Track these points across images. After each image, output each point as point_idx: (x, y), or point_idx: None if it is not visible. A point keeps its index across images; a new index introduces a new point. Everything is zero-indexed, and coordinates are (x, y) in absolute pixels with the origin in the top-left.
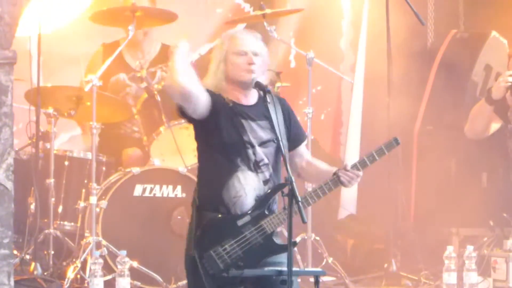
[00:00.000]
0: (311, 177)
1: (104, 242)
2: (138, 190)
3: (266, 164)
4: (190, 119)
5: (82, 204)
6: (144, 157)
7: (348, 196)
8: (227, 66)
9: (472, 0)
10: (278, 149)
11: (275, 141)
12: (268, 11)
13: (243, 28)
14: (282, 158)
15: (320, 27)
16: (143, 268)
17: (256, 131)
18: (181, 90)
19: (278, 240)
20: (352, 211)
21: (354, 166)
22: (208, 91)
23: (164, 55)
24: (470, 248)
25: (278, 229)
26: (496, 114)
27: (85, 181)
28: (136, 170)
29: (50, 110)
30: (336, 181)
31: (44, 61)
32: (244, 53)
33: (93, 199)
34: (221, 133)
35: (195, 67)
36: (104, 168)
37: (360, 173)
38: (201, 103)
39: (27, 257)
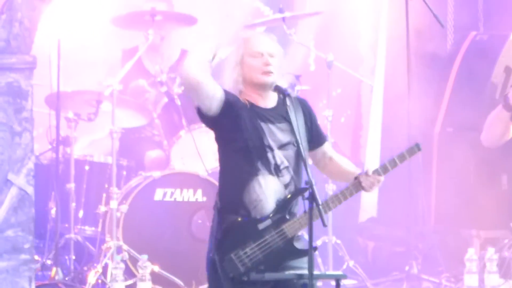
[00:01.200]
0: (333, 174)
1: (125, 247)
2: (158, 194)
3: (287, 167)
4: (208, 120)
5: (102, 208)
6: (165, 160)
7: (369, 199)
8: (244, 69)
9: (492, 1)
10: (298, 152)
11: (295, 144)
12: (287, 14)
13: (261, 31)
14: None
15: (340, 29)
16: (164, 272)
17: (276, 134)
18: (191, 79)
19: (299, 245)
20: (372, 214)
21: (376, 171)
22: (225, 90)
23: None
24: (491, 250)
25: (299, 233)
26: None
27: (106, 186)
28: (156, 174)
29: (70, 115)
30: (358, 185)
31: (63, 66)
32: (260, 54)
33: (113, 204)
34: (242, 135)
35: (213, 71)
36: (124, 173)
37: (382, 178)
38: (215, 96)
39: (48, 262)
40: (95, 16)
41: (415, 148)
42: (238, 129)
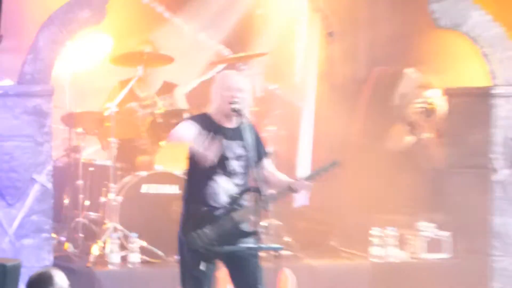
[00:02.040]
0: (271, 184)
1: (120, 227)
2: (144, 188)
3: (238, 173)
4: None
5: (103, 199)
6: (150, 163)
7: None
8: (217, 99)
9: (390, 38)
10: (248, 162)
11: (246, 157)
12: (241, 54)
13: (224, 69)
14: (250, 170)
15: (282, 63)
16: (150, 246)
17: (233, 148)
18: (174, 140)
19: (245, 227)
20: (305, 203)
21: (303, 179)
22: (199, 121)
23: (165, 89)
24: (391, 228)
25: (247, 219)
26: (411, 132)
27: (106, 182)
28: (143, 173)
29: (80, 130)
30: (291, 189)
31: (75, 93)
32: (230, 89)
33: (111, 195)
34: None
35: (188, 97)
36: (119, 172)
37: (309, 183)
38: (190, 141)
39: (63, 239)
40: (98, 55)
41: (334, 164)
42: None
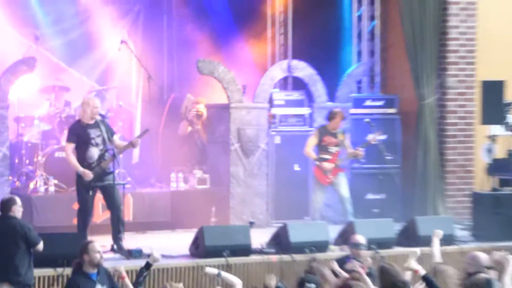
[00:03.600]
0: (119, 147)
1: (44, 174)
2: (57, 154)
3: (99, 144)
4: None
5: (36, 160)
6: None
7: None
8: (87, 110)
9: (182, 69)
10: (104, 140)
11: (103, 137)
12: (104, 87)
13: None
14: (108, 143)
15: (126, 89)
16: (59, 182)
17: (95, 133)
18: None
19: (107, 171)
20: (136, 160)
21: (136, 138)
22: (74, 129)
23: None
24: (179, 172)
25: (108, 166)
26: (190, 125)
27: (38, 151)
28: (56, 147)
29: (23, 125)
30: (132, 145)
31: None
32: (94, 105)
33: (40, 158)
34: (80, 138)
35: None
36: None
37: (138, 139)
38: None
39: (15, 179)
40: (31, 86)
41: (146, 130)
42: (79, 136)
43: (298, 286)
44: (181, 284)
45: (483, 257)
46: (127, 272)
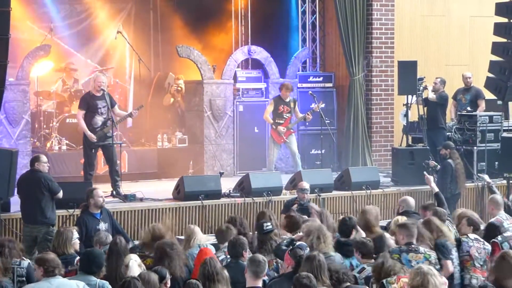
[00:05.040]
0: (118, 116)
1: (58, 136)
2: (68, 120)
3: (104, 113)
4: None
5: (51, 125)
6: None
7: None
8: (93, 84)
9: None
10: (108, 109)
11: (107, 107)
12: (104, 67)
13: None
14: (112, 112)
15: (121, 69)
16: (69, 142)
17: (102, 104)
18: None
19: (108, 134)
20: (130, 125)
21: (134, 110)
22: (88, 95)
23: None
24: (164, 135)
25: (108, 131)
26: (172, 97)
27: (53, 118)
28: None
29: (41, 97)
30: (130, 115)
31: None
32: (99, 80)
33: (55, 123)
34: (90, 106)
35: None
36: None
37: (136, 111)
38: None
39: (35, 141)
40: (47, 67)
41: (141, 106)
42: (89, 104)
43: (258, 227)
44: (168, 220)
45: (411, 200)
46: (124, 212)
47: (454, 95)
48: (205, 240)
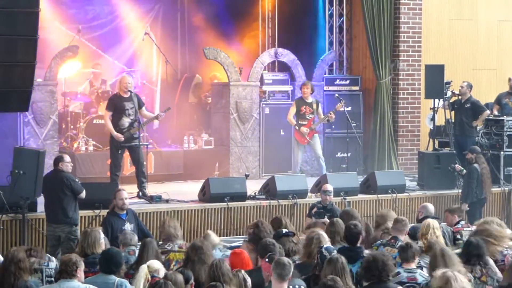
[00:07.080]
0: (146, 117)
1: (85, 136)
2: (95, 121)
3: (131, 115)
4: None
5: (78, 126)
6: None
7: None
8: (120, 85)
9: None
10: (136, 110)
11: (135, 108)
12: (132, 69)
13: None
14: (139, 114)
15: (150, 69)
16: (96, 143)
17: (129, 105)
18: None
19: (135, 135)
20: (156, 126)
21: (160, 113)
22: (112, 100)
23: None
24: (188, 135)
25: (135, 131)
26: (195, 97)
27: (80, 119)
28: (95, 115)
29: (68, 98)
30: (156, 117)
31: (65, 84)
32: (125, 81)
33: (81, 125)
34: (117, 108)
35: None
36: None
37: (162, 114)
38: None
39: (62, 141)
40: (75, 68)
41: (168, 108)
42: (117, 106)
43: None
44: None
45: (430, 206)
46: (150, 213)
47: (497, 100)
48: (217, 241)
